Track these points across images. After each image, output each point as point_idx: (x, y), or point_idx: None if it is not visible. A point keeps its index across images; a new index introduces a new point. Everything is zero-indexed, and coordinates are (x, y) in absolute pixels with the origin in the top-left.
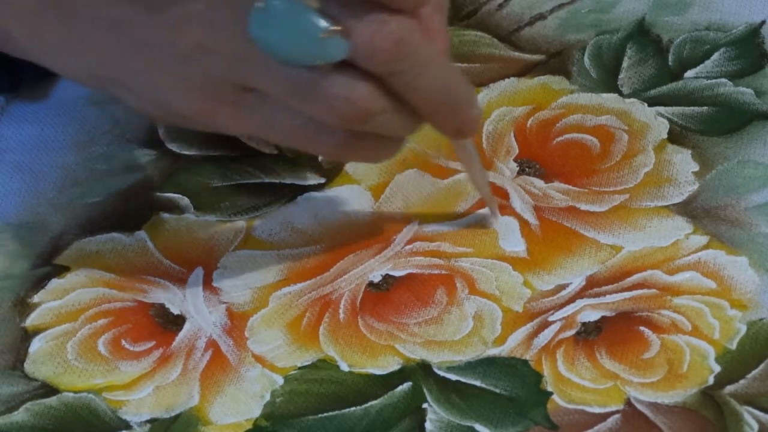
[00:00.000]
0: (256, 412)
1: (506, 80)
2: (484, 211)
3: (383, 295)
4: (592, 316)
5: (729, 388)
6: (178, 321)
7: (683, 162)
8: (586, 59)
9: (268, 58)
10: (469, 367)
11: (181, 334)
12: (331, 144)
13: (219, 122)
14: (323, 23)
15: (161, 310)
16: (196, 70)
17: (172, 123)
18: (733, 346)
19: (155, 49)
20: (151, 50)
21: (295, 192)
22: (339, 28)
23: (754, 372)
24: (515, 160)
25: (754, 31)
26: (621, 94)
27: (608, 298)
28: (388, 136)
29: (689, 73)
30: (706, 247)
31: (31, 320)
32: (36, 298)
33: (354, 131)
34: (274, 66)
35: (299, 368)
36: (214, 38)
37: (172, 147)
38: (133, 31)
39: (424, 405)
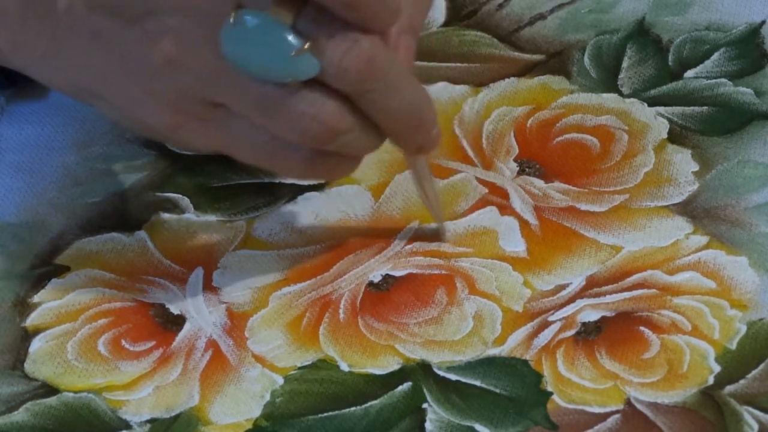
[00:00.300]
0: (256, 412)
1: (506, 80)
2: (434, 225)
3: (383, 295)
4: (592, 316)
5: (729, 388)
6: (178, 321)
7: (683, 162)
8: (586, 59)
9: (237, 74)
10: (469, 367)
11: (181, 334)
12: (293, 162)
13: (185, 137)
14: (295, 41)
15: (161, 310)
16: (166, 83)
17: (148, 136)
18: (733, 346)
19: (130, 62)
20: (126, 63)
21: (295, 192)
22: (309, 46)
23: (754, 372)
24: (515, 160)
25: (754, 31)
26: (621, 94)
27: (608, 298)
28: (350, 155)
29: (689, 73)
30: (706, 247)
31: (31, 320)
32: (36, 298)
33: (317, 150)
34: (243, 82)
35: (299, 368)
36: (186, 53)
37: (172, 147)
38: (111, 43)
39: (424, 405)
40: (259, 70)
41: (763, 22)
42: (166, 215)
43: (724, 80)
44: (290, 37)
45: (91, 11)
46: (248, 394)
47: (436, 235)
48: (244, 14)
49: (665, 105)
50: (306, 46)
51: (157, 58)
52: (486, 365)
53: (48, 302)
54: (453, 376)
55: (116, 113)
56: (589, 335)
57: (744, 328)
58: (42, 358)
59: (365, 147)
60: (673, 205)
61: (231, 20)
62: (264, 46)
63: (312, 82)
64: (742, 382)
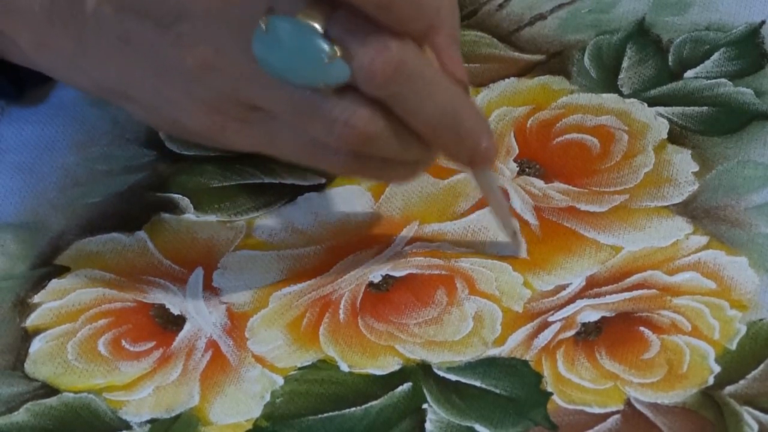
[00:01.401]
0: (256, 412)
1: (506, 80)
2: (502, 237)
3: (383, 295)
4: (592, 316)
5: (729, 389)
6: (178, 321)
7: (683, 162)
8: (586, 59)
9: (271, 77)
10: (469, 367)
11: (181, 335)
12: (335, 163)
13: (227, 138)
14: (327, 47)
15: (161, 311)
16: (203, 87)
17: (182, 137)
18: (733, 346)
19: (162, 65)
20: (158, 66)
21: (295, 192)
22: (341, 52)
23: (754, 372)
24: (515, 161)
25: (754, 31)
26: (621, 94)
27: (608, 299)
28: (395, 159)
29: (689, 73)
30: (706, 247)
31: (32, 320)
32: (36, 299)
33: (358, 152)
34: (277, 86)
35: (299, 369)
36: (220, 58)
37: (172, 147)
38: (140, 46)
39: (424, 405)
40: (291, 75)
41: (763, 22)
42: (166, 215)
43: (724, 80)
44: (322, 43)
45: (120, 13)
46: (248, 395)
47: (509, 249)
48: (276, 20)
49: (665, 105)
50: (338, 53)
51: (193, 62)
52: (486, 365)
53: (48, 302)
54: (453, 377)
55: (146, 113)
56: (589, 335)
57: (744, 329)
58: (42, 358)
59: (406, 152)
60: (673, 205)
61: (263, 25)
62: (295, 51)
63: (345, 87)
64: (742, 382)
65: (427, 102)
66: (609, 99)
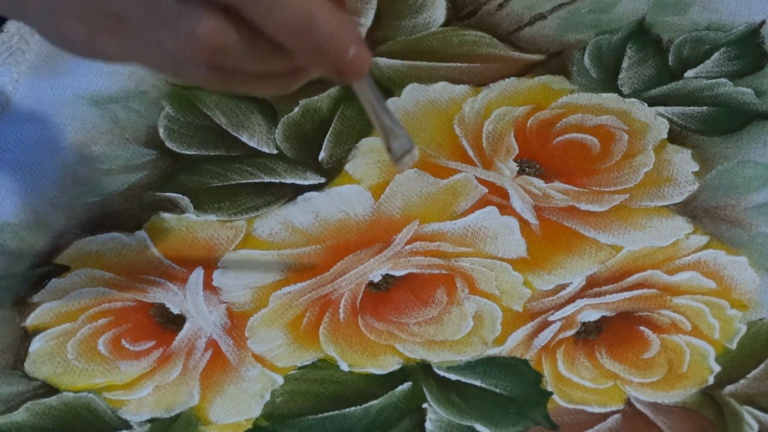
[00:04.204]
0: (256, 411)
1: (506, 80)
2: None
3: (383, 295)
4: (592, 316)
5: (729, 388)
6: (178, 321)
7: (683, 162)
8: (586, 59)
9: None
10: (469, 366)
11: (181, 334)
12: (199, 77)
13: (100, 48)
14: None
15: (161, 310)
16: None
17: (70, 51)
18: (733, 345)
19: None
20: None
21: (295, 192)
22: None
23: (754, 372)
24: (515, 160)
25: (754, 31)
26: (621, 94)
27: (608, 298)
28: (258, 73)
29: (689, 73)
30: (706, 247)
31: (31, 320)
32: (36, 298)
33: (219, 68)
34: None
35: (299, 368)
36: None
37: (172, 147)
38: None
39: (424, 405)
40: None
41: (763, 22)
42: (166, 215)
43: (724, 80)
44: None
45: None
46: (248, 394)
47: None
48: None
49: (665, 105)
50: None
51: None
52: (486, 365)
53: (48, 302)
54: (453, 376)
55: (40, 28)
56: (589, 335)
57: (744, 328)
58: (42, 357)
59: (265, 65)
60: (673, 204)
61: None
62: None
63: None
64: (742, 382)
65: (278, 8)
66: (609, 99)
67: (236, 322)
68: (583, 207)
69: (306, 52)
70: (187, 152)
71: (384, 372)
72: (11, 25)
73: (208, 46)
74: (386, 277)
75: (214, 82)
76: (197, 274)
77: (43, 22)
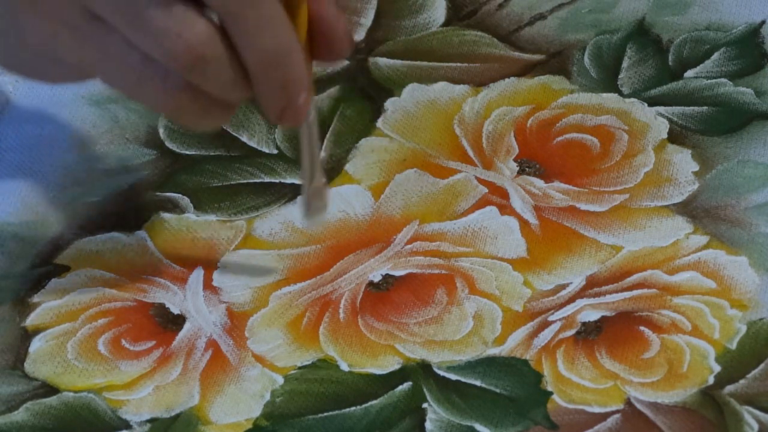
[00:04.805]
0: (256, 411)
1: (506, 80)
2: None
3: (383, 294)
4: (592, 315)
5: (729, 388)
6: (178, 321)
7: (683, 162)
8: (586, 59)
9: None
10: (469, 366)
11: (181, 334)
12: (160, 92)
13: (58, 48)
14: None
15: (161, 310)
16: None
17: (11, 57)
18: (733, 345)
19: None
20: None
21: (295, 192)
22: None
23: (754, 372)
24: (515, 160)
25: (754, 31)
26: (621, 94)
27: (608, 298)
28: (217, 99)
29: (689, 73)
30: (706, 246)
31: (31, 320)
32: (36, 298)
33: (186, 86)
34: None
35: (299, 368)
36: None
37: (172, 147)
38: None
39: (424, 405)
40: None
41: (763, 22)
42: (166, 215)
43: (724, 80)
44: None
45: None
46: (248, 394)
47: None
48: None
49: (665, 105)
50: None
51: None
52: (486, 365)
53: (48, 302)
54: (453, 376)
55: None
56: (589, 335)
57: (744, 328)
58: (42, 357)
59: (231, 86)
60: (673, 204)
61: None
62: None
63: (186, 0)
64: (742, 382)
65: (267, 33)
66: (609, 99)
67: (236, 322)
68: (583, 207)
69: (270, 85)
70: (187, 152)
71: (384, 372)
72: None
73: (195, 53)
74: (386, 277)
75: (174, 100)
76: (197, 274)
77: None
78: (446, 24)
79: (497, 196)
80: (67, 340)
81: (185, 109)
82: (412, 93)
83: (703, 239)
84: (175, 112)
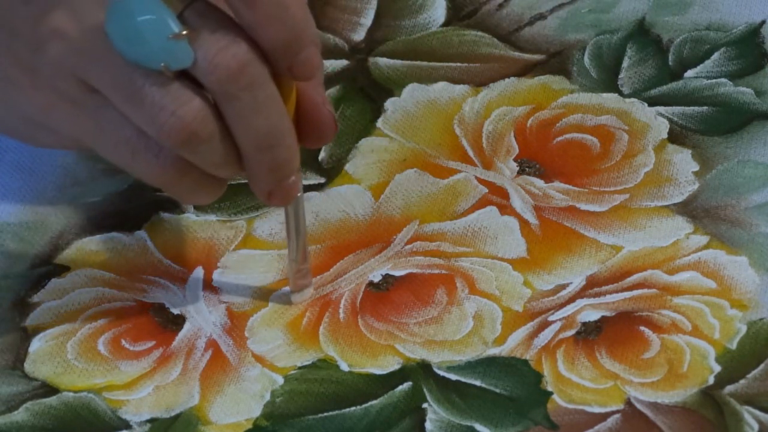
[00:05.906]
0: (256, 411)
1: (506, 80)
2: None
3: (383, 294)
4: (592, 315)
5: (729, 388)
6: (178, 321)
7: (683, 162)
8: (586, 59)
9: (114, 55)
10: (469, 366)
11: (181, 334)
12: (153, 166)
13: (53, 120)
14: (175, 26)
15: (161, 310)
16: (46, 56)
17: (8, 125)
18: (734, 345)
19: (16, 39)
20: (11, 40)
21: None
22: (188, 33)
23: (754, 372)
24: (515, 160)
25: (754, 31)
26: (621, 94)
27: (608, 298)
28: (209, 174)
29: (689, 73)
30: (706, 246)
31: (31, 320)
32: (36, 298)
33: (178, 161)
34: (116, 63)
35: (299, 368)
36: (72, 25)
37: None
38: (5, 20)
39: (424, 405)
40: (134, 50)
41: (763, 22)
42: (166, 215)
43: (724, 80)
44: (170, 21)
45: None
46: (248, 394)
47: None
48: None
49: (665, 105)
50: (184, 33)
51: (45, 27)
52: (486, 365)
53: (48, 302)
54: (453, 376)
55: None
56: (589, 335)
57: (744, 328)
58: (42, 357)
59: (223, 165)
60: (674, 204)
61: None
62: (144, 25)
63: (183, 78)
64: (742, 382)
65: (261, 115)
66: (609, 99)
67: (236, 322)
68: (583, 207)
69: (261, 166)
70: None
71: (384, 372)
72: None
73: (188, 130)
74: (386, 277)
75: (166, 174)
76: (197, 274)
77: None
78: (446, 24)
79: (497, 196)
80: (66, 340)
81: (177, 184)
82: (412, 93)
83: (703, 239)
84: (167, 186)
